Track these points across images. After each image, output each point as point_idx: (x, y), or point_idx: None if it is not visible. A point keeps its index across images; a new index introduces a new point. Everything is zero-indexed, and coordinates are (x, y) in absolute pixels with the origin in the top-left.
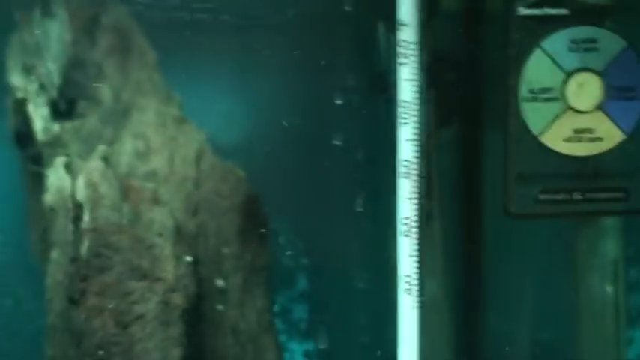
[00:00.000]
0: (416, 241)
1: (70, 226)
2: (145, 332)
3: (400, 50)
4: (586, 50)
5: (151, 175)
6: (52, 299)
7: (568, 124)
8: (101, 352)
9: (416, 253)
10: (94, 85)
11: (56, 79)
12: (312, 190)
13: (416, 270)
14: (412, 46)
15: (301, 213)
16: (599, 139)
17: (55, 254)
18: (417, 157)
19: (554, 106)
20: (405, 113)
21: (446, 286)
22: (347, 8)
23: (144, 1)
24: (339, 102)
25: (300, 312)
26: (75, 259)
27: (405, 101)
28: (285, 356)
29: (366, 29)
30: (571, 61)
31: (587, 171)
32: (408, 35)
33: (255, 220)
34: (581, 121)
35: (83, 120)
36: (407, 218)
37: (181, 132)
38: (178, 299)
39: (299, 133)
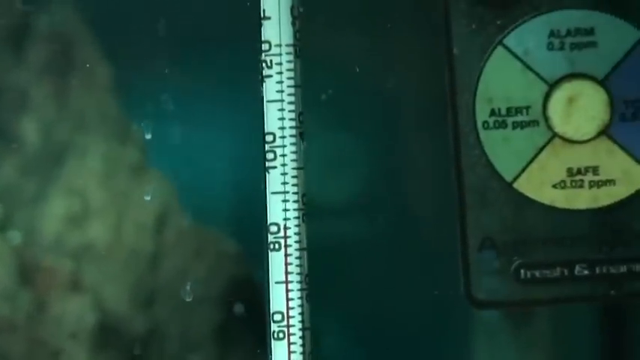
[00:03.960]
0: None
1: None
2: None
3: (263, 57)
4: (577, 47)
5: (87, 249)
6: None
7: (558, 161)
8: None
9: None
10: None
11: None
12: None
13: None
14: (280, 50)
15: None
16: (610, 182)
17: None
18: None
19: (534, 135)
20: (271, 152)
21: None
22: None
23: None
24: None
25: None
26: None
27: (270, 133)
28: None
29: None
30: (555, 64)
31: (595, 232)
32: (273, 33)
33: (246, 314)
34: (579, 156)
35: None
36: None
37: (138, 185)
38: None
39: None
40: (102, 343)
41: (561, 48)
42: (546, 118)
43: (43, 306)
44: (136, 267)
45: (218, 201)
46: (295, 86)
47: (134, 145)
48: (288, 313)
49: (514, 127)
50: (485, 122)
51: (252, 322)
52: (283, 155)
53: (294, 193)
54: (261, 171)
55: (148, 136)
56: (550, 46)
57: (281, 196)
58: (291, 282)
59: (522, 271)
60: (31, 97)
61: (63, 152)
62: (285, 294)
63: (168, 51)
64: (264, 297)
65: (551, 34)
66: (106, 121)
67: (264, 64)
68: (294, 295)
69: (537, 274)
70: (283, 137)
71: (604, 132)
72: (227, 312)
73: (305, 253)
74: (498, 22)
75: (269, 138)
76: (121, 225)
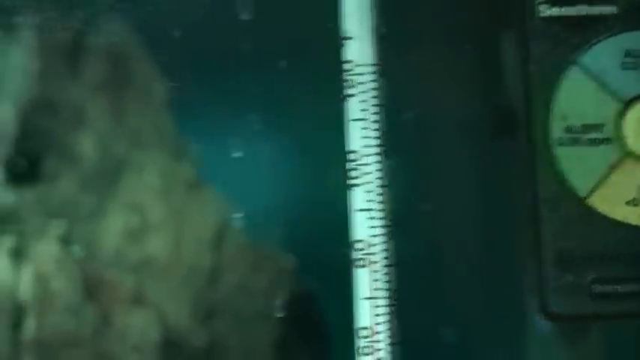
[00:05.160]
0: None
1: (8, 335)
2: None
3: (346, 76)
4: None
5: (146, 264)
6: None
7: (630, 178)
8: None
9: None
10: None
11: (12, 126)
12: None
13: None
14: (363, 70)
15: None
16: None
17: None
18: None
19: (607, 152)
20: (355, 170)
21: None
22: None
23: (153, 13)
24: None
25: None
26: None
27: (353, 151)
28: None
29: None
30: (628, 83)
31: None
32: (356, 53)
33: (305, 329)
34: None
35: (51, 185)
36: None
37: (195, 201)
38: None
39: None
40: (165, 357)
41: (635, 68)
42: (620, 137)
43: (107, 320)
44: (195, 282)
45: (277, 217)
46: (379, 105)
47: (189, 162)
48: (374, 328)
49: (588, 144)
50: (560, 139)
51: (311, 337)
52: (368, 173)
53: (379, 210)
54: (315, 188)
55: (238, 154)
56: (624, 66)
57: (366, 214)
58: (378, 298)
59: (595, 285)
60: (87, 113)
61: (120, 168)
62: (371, 310)
63: (252, 68)
64: (322, 312)
65: (626, 54)
66: (162, 138)
67: (346, 84)
68: (381, 310)
69: (610, 289)
70: (367, 155)
71: None
72: (286, 327)
73: (392, 269)
74: (573, 42)
75: (353, 156)
76: (179, 240)
